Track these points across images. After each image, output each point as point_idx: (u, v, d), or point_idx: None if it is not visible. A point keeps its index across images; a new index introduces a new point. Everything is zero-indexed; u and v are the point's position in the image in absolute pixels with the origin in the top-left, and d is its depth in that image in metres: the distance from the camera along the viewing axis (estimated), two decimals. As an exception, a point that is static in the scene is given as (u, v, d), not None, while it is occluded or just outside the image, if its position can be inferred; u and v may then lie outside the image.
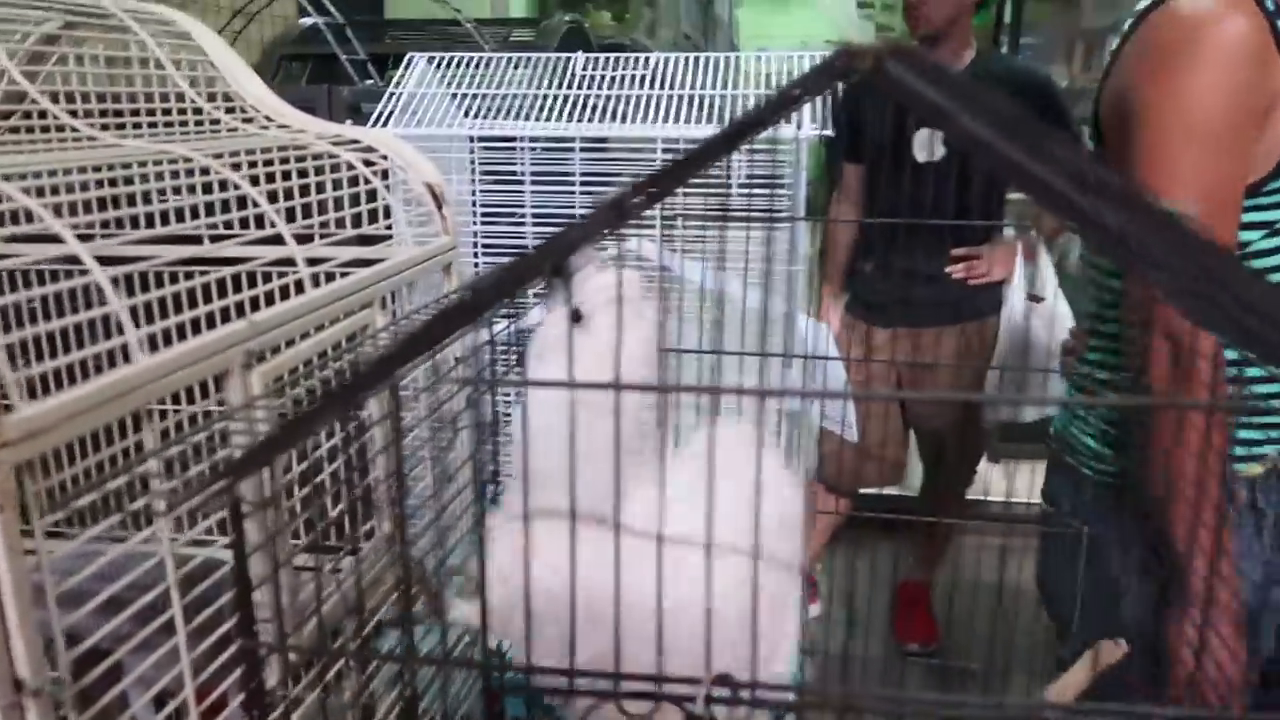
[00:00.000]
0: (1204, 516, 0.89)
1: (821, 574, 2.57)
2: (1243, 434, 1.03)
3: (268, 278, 0.75)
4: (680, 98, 1.41)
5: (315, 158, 0.89)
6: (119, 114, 0.89)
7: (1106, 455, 1.12)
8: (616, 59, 1.46)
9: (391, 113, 1.37)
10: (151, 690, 0.61)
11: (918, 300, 2.23)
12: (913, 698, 0.43)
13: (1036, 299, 2.29)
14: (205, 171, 0.70)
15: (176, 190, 0.70)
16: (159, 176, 0.70)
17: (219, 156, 0.73)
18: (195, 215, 0.68)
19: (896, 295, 2.25)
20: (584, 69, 1.43)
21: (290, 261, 0.74)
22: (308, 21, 2.24)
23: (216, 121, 0.95)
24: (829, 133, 1.26)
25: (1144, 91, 0.98)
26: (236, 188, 0.70)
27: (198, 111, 0.95)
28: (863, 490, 2.42)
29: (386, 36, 2.33)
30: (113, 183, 0.66)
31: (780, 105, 0.41)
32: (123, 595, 0.62)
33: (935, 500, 2.51)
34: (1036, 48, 4.10)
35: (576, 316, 0.56)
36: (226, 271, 0.67)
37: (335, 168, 0.90)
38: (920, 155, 2.18)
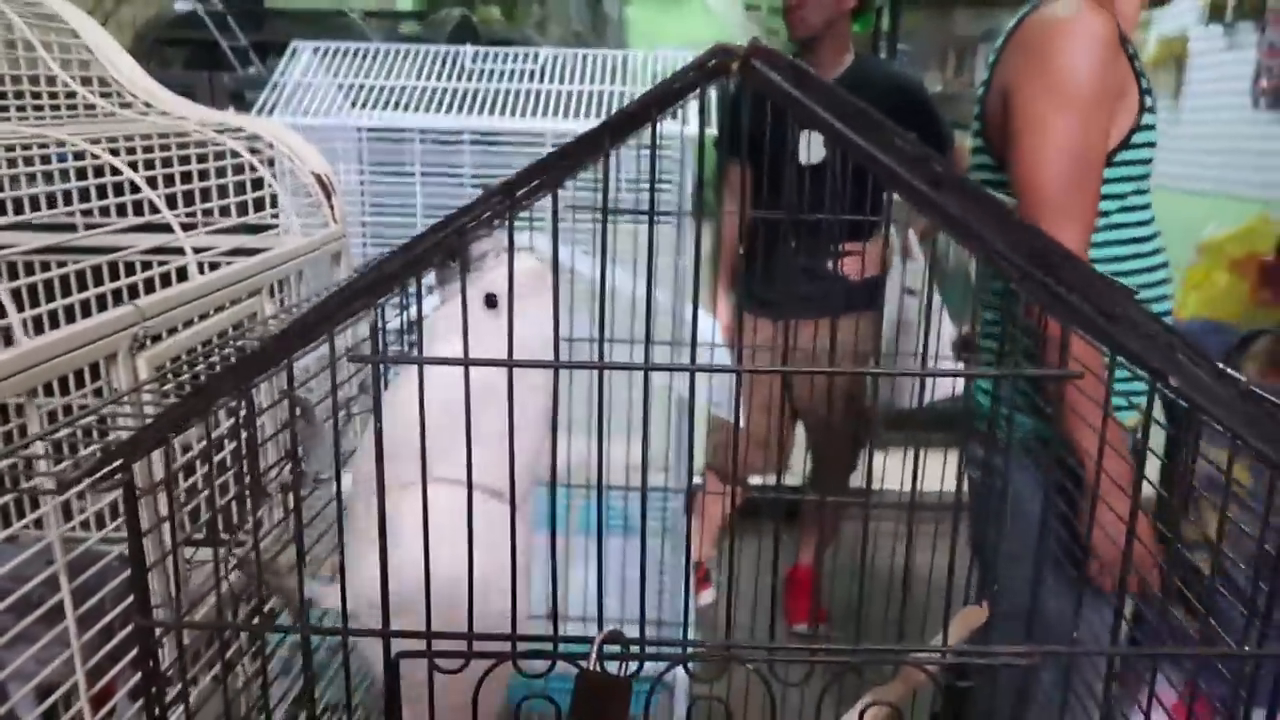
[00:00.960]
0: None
1: (713, 562, 2.64)
2: (1120, 387, 1.16)
3: (148, 265, 0.73)
4: (571, 93, 1.43)
5: (198, 145, 0.88)
6: (-16, 96, 0.86)
7: (1019, 419, 1.25)
8: (507, 54, 1.47)
9: (276, 103, 1.35)
10: (33, 682, 0.60)
11: (803, 295, 2.32)
12: (791, 647, 0.47)
13: (912, 293, 2.43)
14: (81, 156, 0.69)
15: (49, 177, 0.68)
16: (29, 161, 0.68)
17: (96, 141, 0.72)
18: (70, 201, 0.67)
19: (782, 291, 2.34)
20: (474, 62, 1.44)
21: (176, 249, 0.73)
22: (183, 6, 2.16)
23: (91, 106, 0.92)
24: (712, 130, 1.31)
25: (1020, 81, 1.14)
26: (116, 173, 0.69)
27: (70, 95, 0.92)
28: (753, 480, 2.50)
29: (267, 25, 2.27)
30: (-16, 165, 0.64)
31: (662, 99, 0.44)
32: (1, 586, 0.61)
33: (822, 487, 2.61)
34: (912, 54, 4.30)
35: (491, 301, 0.58)
36: (109, 258, 0.66)
37: (220, 155, 0.89)
38: (801, 158, 2.26)
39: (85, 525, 0.71)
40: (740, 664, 0.46)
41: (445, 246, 0.44)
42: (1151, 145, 1.20)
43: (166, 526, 0.63)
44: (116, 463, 0.44)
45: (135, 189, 0.73)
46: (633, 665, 0.46)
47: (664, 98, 0.42)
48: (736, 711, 0.51)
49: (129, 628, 0.66)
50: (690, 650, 0.46)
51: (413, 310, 0.62)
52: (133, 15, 2.25)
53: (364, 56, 1.43)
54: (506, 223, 0.44)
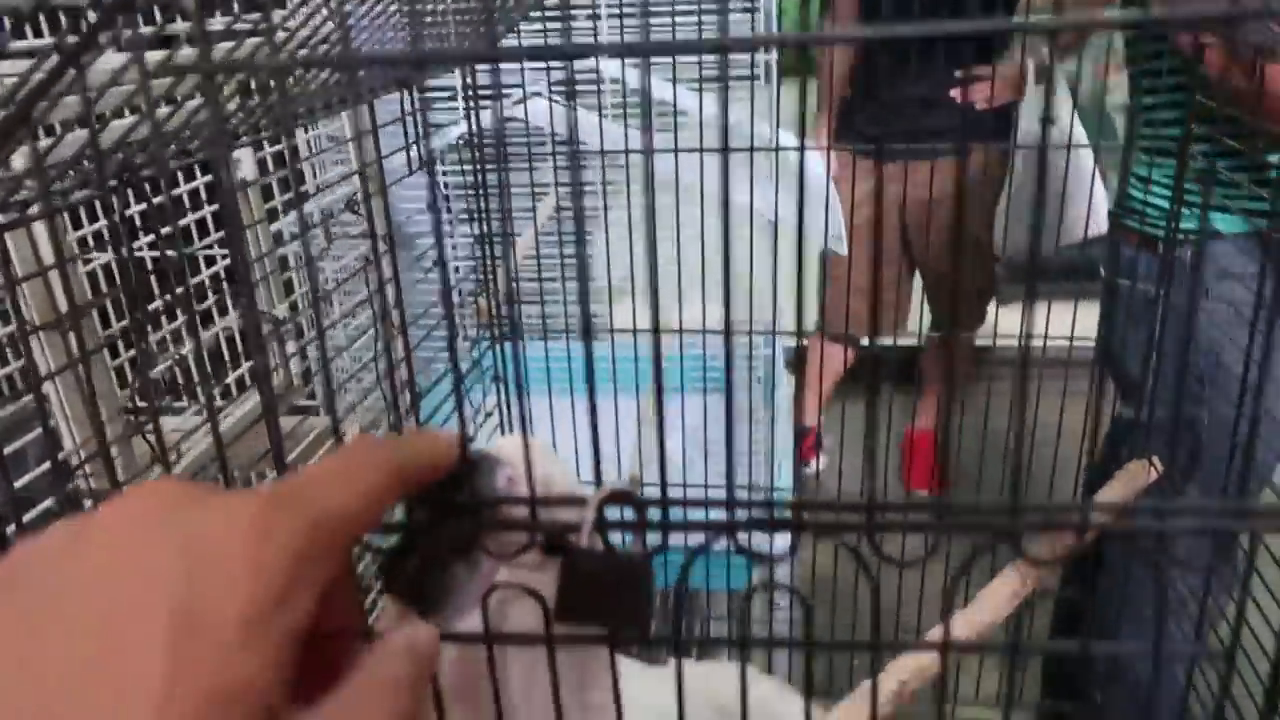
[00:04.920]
0: None
1: (826, 426, 2.49)
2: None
3: None
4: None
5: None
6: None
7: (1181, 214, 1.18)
8: None
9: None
10: None
11: (917, 129, 2.05)
12: (899, 504, 0.32)
13: (1050, 122, 2.11)
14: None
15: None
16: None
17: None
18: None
19: (894, 125, 2.07)
20: None
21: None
22: None
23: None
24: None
25: None
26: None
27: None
28: (865, 340, 2.31)
29: None
30: None
31: None
32: None
33: (943, 346, 2.40)
34: None
35: None
36: None
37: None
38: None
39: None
40: (813, 533, 0.30)
41: None
42: None
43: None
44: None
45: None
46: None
47: None
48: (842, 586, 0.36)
49: None
50: (743, 515, 0.30)
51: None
52: None
53: None
54: None
